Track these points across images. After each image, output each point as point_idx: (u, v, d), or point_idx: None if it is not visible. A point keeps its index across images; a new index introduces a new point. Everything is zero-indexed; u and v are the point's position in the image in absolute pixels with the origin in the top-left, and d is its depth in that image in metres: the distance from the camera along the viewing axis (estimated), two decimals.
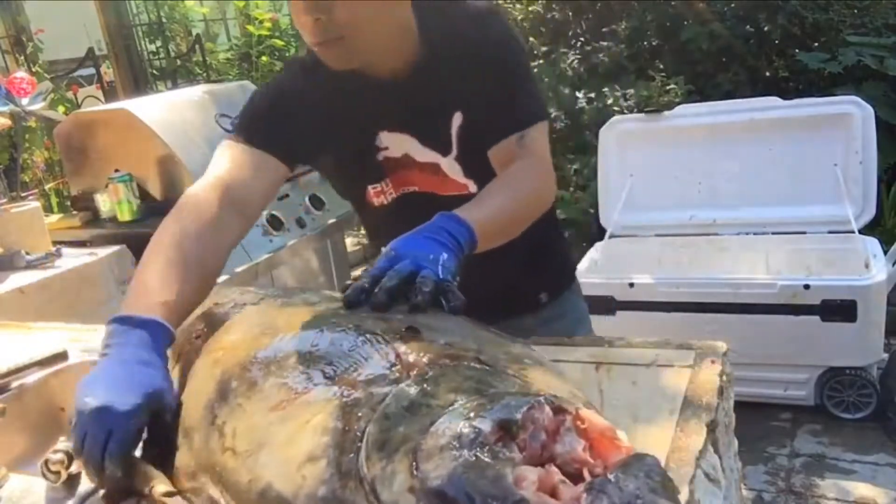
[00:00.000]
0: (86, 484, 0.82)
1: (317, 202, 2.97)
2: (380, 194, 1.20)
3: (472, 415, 0.56)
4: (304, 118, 1.12)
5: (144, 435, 0.77)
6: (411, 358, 0.68)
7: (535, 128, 1.10)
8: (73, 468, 0.83)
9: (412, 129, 1.14)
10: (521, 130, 1.09)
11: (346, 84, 1.10)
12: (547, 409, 0.56)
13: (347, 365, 0.70)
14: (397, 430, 0.59)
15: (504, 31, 1.14)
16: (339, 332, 0.75)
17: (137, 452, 0.77)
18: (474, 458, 0.52)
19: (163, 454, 0.77)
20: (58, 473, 0.82)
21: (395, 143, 1.15)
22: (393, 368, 0.68)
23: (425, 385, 0.63)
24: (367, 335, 0.74)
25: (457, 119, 1.13)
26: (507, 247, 1.00)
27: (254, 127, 1.09)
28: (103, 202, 2.66)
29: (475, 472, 0.51)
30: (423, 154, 1.16)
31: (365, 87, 1.11)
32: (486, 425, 0.54)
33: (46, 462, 0.83)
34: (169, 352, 0.86)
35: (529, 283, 1.28)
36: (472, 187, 1.16)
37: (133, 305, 0.87)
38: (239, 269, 2.45)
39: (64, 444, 0.84)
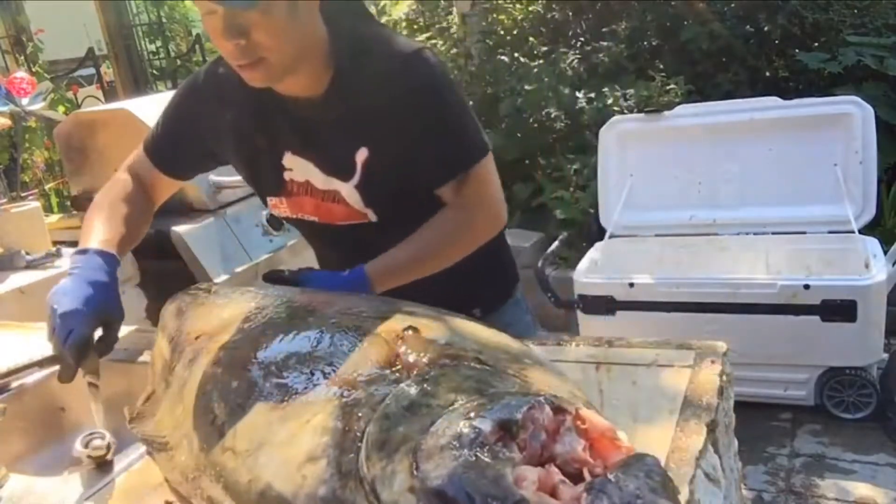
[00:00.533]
0: (91, 484, 0.82)
1: None
2: (277, 206, 1.23)
3: (472, 415, 0.56)
4: (209, 132, 1.20)
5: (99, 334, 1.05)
6: (411, 358, 0.69)
7: (474, 168, 1.13)
8: (109, 455, 0.87)
9: (314, 156, 1.15)
10: (457, 176, 1.12)
11: (260, 100, 1.13)
12: (547, 408, 0.56)
13: (347, 365, 0.70)
14: (397, 430, 0.59)
15: (429, 75, 1.09)
16: (339, 332, 0.76)
17: None
18: (474, 458, 0.52)
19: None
20: (95, 458, 0.87)
21: (299, 168, 1.17)
22: (393, 369, 0.68)
23: (425, 385, 0.63)
24: (367, 335, 0.74)
25: (361, 153, 1.12)
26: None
27: (155, 148, 1.27)
28: None
29: (475, 472, 0.52)
30: (324, 182, 1.15)
31: (277, 106, 1.13)
32: (486, 425, 0.54)
33: (89, 441, 0.85)
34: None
35: (461, 299, 1.09)
36: (372, 216, 1.15)
37: (87, 242, 1.14)
38: (239, 269, 2.45)
39: (102, 433, 0.88)
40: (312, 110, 1.12)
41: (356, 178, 1.12)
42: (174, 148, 1.26)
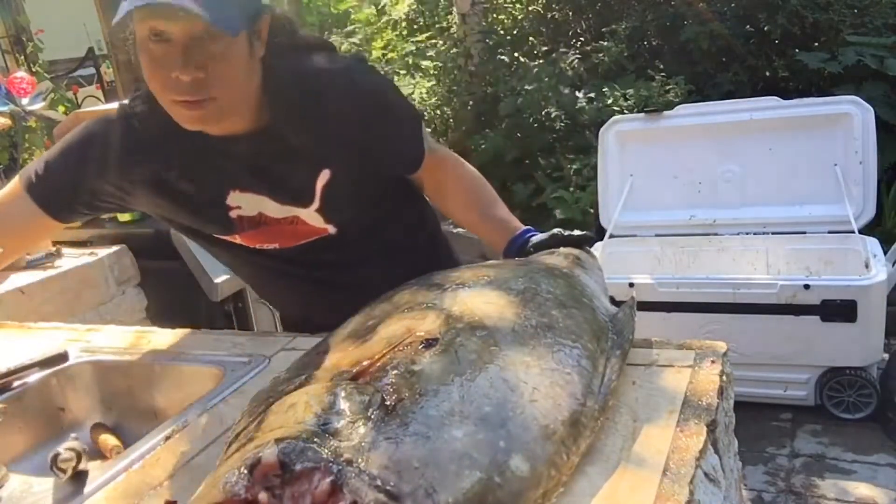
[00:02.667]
0: (91, 484, 0.82)
1: None
2: (230, 239, 1.18)
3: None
4: (110, 184, 1.11)
5: None
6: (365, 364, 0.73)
7: (426, 137, 1.19)
8: (81, 466, 0.83)
9: (266, 189, 1.11)
10: (423, 162, 1.18)
11: (190, 144, 1.06)
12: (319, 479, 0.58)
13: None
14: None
15: (372, 78, 1.13)
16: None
17: None
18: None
19: None
20: (65, 470, 0.83)
21: (248, 203, 1.12)
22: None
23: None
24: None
25: (324, 176, 1.10)
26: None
27: (40, 191, 1.12)
28: None
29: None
30: (280, 210, 1.13)
31: (212, 147, 1.07)
32: (268, 454, 0.60)
33: (56, 458, 0.83)
34: None
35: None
36: (332, 230, 1.15)
37: None
38: None
39: (74, 443, 0.85)
40: (259, 146, 1.07)
41: (316, 203, 1.12)
42: (59, 190, 1.14)
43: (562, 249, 1.10)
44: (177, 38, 0.91)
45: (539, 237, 1.14)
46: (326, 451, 0.60)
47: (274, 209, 1.13)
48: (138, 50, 0.95)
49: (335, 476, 0.58)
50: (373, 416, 0.64)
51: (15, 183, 1.15)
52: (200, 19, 0.88)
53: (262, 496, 0.58)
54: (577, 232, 1.12)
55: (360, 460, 0.59)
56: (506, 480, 0.61)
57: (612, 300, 1.02)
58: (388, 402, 0.65)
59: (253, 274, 1.31)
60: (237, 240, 1.17)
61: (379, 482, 0.58)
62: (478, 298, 0.85)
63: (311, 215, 1.13)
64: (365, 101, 1.09)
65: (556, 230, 1.13)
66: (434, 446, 0.61)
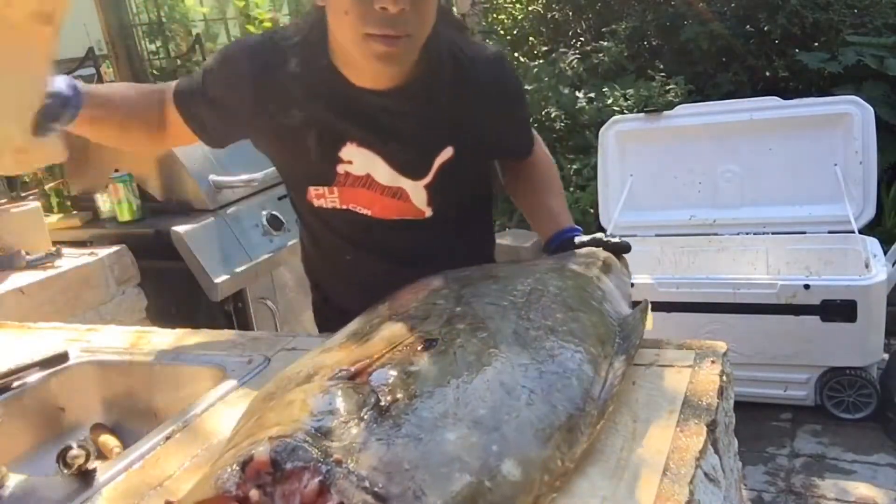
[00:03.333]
0: (91, 484, 0.82)
1: None
2: (321, 197, 1.15)
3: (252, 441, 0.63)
4: (254, 105, 1.10)
5: None
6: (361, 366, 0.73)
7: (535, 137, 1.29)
8: (88, 465, 0.84)
9: (385, 150, 1.09)
10: (531, 149, 1.27)
11: (329, 83, 1.06)
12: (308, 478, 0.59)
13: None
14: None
15: (510, 75, 1.18)
16: None
17: None
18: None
19: None
20: (71, 466, 0.83)
21: (361, 160, 1.10)
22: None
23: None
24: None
25: (446, 153, 1.10)
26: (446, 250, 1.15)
27: (192, 103, 1.17)
28: (103, 202, 2.66)
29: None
30: (390, 178, 1.11)
31: (348, 94, 1.06)
32: (260, 452, 0.60)
33: (65, 453, 0.83)
34: None
35: None
36: (428, 214, 1.15)
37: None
38: (239, 270, 2.45)
39: (83, 442, 0.85)
40: (389, 104, 1.06)
41: (428, 178, 1.11)
42: (203, 105, 1.17)
43: (591, 250, 1.10)
44: None
45: (581, 238, 1.15)
46: (317, 450, 0.60)
47: (384, 174, 1.10)
48: None
49: (324, 476, 0.58)
50: (366, 417, 0.64)
51: (170, 94, 1.19)
52: None
53: (254, 493, 0.58)
54: (615, 239, 1.14)
55: (349, 461, 0.59)
56: (496, 485, 0.61)
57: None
58: (382, 403, 0.65)
59: (326, 242, 1.26)
60: (333, 194, 1.14)
61: (367, 483, 0.58)
62: (483, 299, 0.85)
63: (417, 191, 1.12)
64: (509, 88, 1.16)
65: (598, 234, 1.15)
66: (425, 448, 0.61)
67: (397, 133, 1.08)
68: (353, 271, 1.23)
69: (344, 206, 1.15)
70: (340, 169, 1.11)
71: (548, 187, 1.27)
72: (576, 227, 1.19)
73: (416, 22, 0.95)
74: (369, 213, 1.15)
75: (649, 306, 0.95)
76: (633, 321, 0.90)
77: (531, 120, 1.50)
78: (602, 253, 1.10)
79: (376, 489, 0.57)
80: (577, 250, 1.11)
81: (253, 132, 1.18)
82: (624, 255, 1.15)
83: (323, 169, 1.12)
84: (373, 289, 1.01)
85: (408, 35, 0.95)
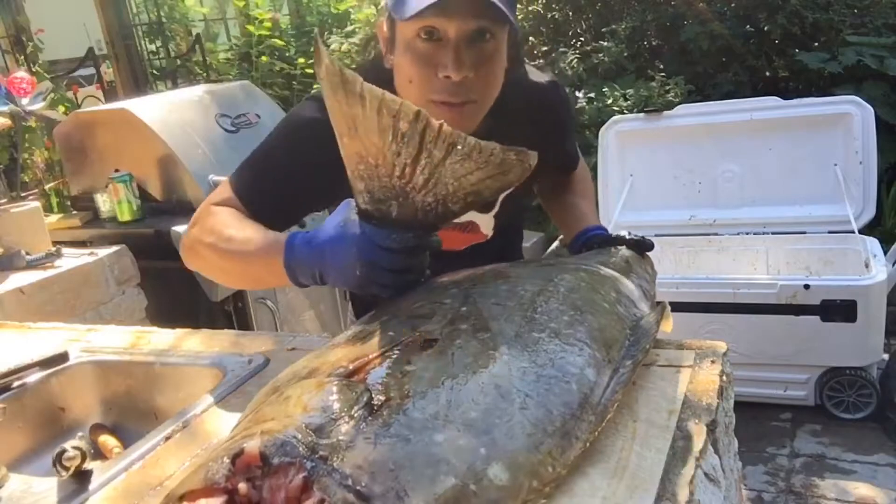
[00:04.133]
0: (91, 484, 0.82)
1: None
2: None
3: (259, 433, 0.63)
4: (324, 180, 1.00)
5: None
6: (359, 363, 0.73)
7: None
8: (86, 465, 0.83)
9: None
10: (577, 165, 1.32)
11: None
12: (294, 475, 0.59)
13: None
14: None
15: (567, 102, 1.21)
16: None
17: None
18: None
19: None
20: (68, 469, 0.83)
21: None
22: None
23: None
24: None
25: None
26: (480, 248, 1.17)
27: (254, 200, 1.04)
28: (103, 202, 2.66)
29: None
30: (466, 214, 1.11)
31: None
32: (250, 446, 0.60)
33: (61, 455, 0.83)
34: None
35: None
36: (490, 235, 1.20)
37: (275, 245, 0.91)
38: None
39: (80, 441, 0.85)
40: None
41: (496, 209, 1.15)
42: (278, 201, 1.05)
43: (613, 249, 1.11)
44: (449, 37, 0.90)
45: (604, 236, 1.16)
46: (303, 446, 0.60)
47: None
48: (398, 49, 0.93)
49: (308, 472, 0.58)
50: (356, 415, 0.64)
51: (228, 193, 1.05)
52: (502, 15, 0.88)
53: (242, 486, 0.59)
54: (638, 236, 1.14)
55: (335, 458, 0.59)
56: (482, 488, 0.61)
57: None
58: (374, 402, 0.65)
59: None
60: None
61: (350, 481, 0.58)
62: (490, 299, 0.84)
63: (486, 221, 1.16)
64: (564, 112, 1.20)
65: (622, 232, 1.16)
66: (412, 449, 0.61)
67: None
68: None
69: None
70: None
71: (581, 191, 1.29)
72: (602, 226, 1.20)
73: (481, 87, 0.94)
74: (447, 248, 1.15)
75: (668, 308, 0.94)
76: (647, 324, 0.89)
77: None
78: (624, 252, 1.10)
79: (359, 488, 0.57)
80: (599, 249, 1.12)
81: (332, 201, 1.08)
82: (647, 254, 1.15)
83: None
84: None
85: (472, 101, 0.94)
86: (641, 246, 1.13)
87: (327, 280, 0.85)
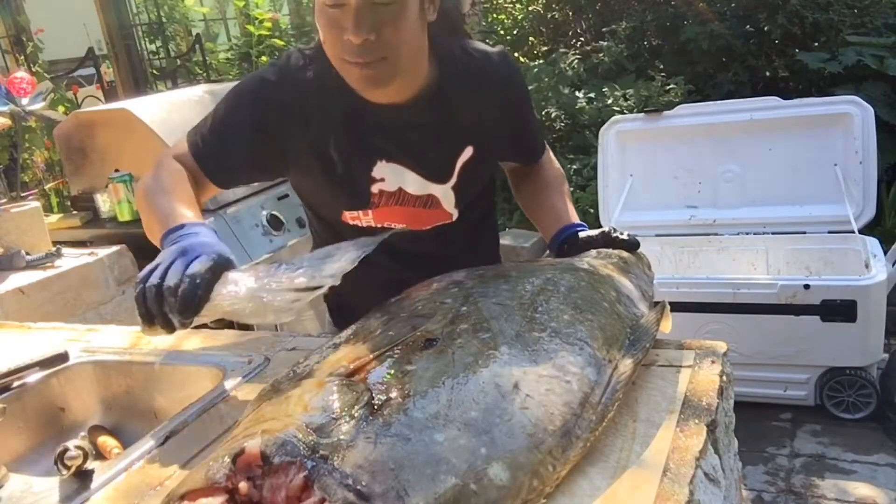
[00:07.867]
0: (91, 484, 0.82)
1: None
2: (356, 219, 1.17)
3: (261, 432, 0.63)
4: (275, 142, 1.10)
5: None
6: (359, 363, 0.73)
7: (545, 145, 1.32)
8: (87, 465, 0.84)
9: (414, 159, 1.12)
10: (542, 155, 1.30)
11: (350, 108, 1.09)
12: (294, 473, 0.59)
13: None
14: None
15: (517, 71, 1.21)
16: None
17: None
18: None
19: None
20: (69, 468, 0.83)
21: (391, 175, 1.13)
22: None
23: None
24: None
25: (467, 152, 1.14)
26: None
27: (204, 154, 1.13)
28: (103, 202, 2.66)
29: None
30: (420, 187, 1.14)
31: (368, 113, 1.09)
32: (251, 445, 0.61)
33: (63, 454, 0.83)
34: None
35: None
36: (455, 216, 1.19)
37: (175, 220, 0.99)
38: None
39: (82, 441, 0.85)
40: (408, 116, 1.10)
41: (453, 180, 1.15)
42: (225, 157, 1.13)
43: (608, 251, 1.11)
44: (351, 4, 0.95)
45: (588, 233, 1.16)
46: (304, 446, 0.60)
47: (414, 184, 1.14)
48: (316, 15, 1.01)
49: (308, 472, 0.58)
50: (356, 415, 0.64)
51: (182, 142, 1.16)
52: None
53: (243, 485, 0.59)
54: (625, 234, 1.15)
55: (336, 457, 0.59)
56: (482, 488, 0.61)
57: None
58: (375, 401, 0.65)
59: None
60: (367, 216, 1.16)
61: (350, 481, 0.58)
62: (490, 299, 0.84)
63: (446, 194, 1.16)
64: (519, 88, 1.21)
65: (607, 228, 1.16)
66: (413, 448, 0.61)
67: (421, 142, 1.12)
68: (381, 276, 1.21)
69: (379, 224, 1.18)
70: (374, 189, 1.14)
71: (554, 190, 1.28)
72: (581, 223, 1.20)
73: (389, 44, 0.98)
74: (404, 226, 1.17)
75: (668, 307, 0.94)
76: (647, 323, 0.89)
77: None
78: (623, 252, 1.11)
79: (359, 487, 0.57)
80: (598, 249, 1.12)
81: (283, 168, 1.16)
82: (645, 255, 1.17)
83: (358, 192, 1.14)
84: (398, 291, 1.02)
85: (383, 58, 0.99)
86: (627, 245, 1.14)
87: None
